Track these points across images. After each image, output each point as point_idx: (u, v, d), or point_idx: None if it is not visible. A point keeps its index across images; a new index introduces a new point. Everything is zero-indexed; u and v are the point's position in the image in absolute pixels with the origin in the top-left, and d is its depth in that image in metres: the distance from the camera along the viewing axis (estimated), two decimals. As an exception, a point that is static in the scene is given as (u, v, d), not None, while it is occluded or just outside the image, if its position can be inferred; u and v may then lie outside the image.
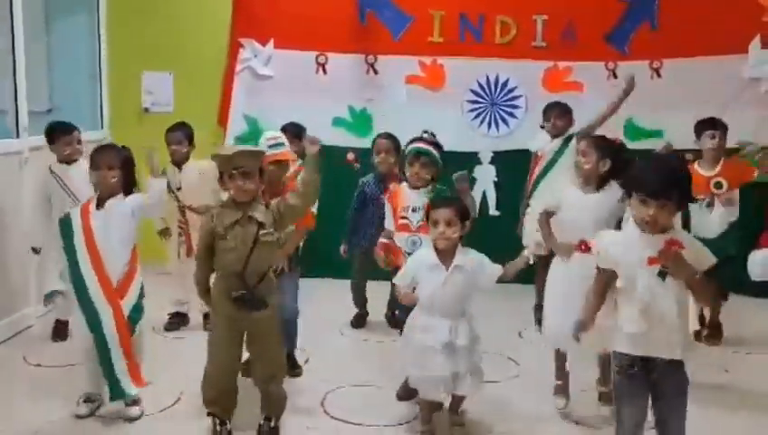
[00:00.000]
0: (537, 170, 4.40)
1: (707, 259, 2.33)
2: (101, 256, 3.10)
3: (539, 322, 4.25)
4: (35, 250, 4.09)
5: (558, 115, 4.36)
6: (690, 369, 2.41)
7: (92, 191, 3.26)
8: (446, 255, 2.88)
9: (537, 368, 3.95)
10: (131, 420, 3.19)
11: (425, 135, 3.89)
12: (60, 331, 4.19)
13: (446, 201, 2.97)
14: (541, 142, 4.45)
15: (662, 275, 2.28)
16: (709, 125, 4.26)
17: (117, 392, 3.13)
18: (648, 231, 2.30)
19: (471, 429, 3.14)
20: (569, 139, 4.30)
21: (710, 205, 4.07)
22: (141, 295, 3.23)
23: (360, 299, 4.69)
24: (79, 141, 4.12)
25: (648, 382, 2.38)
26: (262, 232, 2.72)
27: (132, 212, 3.17)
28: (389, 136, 4.46)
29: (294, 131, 4.89)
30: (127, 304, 3.14)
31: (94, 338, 3.09)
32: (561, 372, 3.38)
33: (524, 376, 3.85)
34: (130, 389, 3.14)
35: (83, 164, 3.74)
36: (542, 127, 4.47)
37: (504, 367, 3.92)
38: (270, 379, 2.91)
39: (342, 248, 4.47)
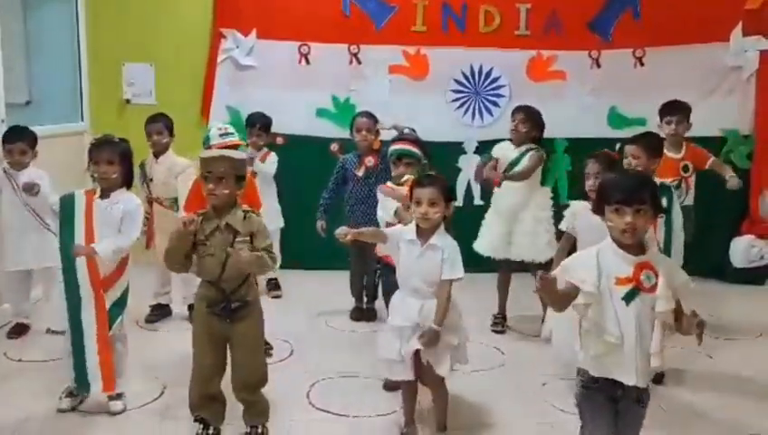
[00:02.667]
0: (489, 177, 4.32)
1: (683, 285, 2.22)
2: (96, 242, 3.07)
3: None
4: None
5: (521, 121, 4.23)
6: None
7: None
8: (425, 233, 2.84)
9: (522, 356, 3.97)
10: (114, 414, 3.16)
11: (405, 131, 3.88)
12: (17, 331, 4.14)
13: (430, 180, 2.87)
14: (502, 148, 4.33)
15: (627, 299, 2.17)
16: (667, 111, 4.28)
17: (80, 384, 3.10)
18: (627, 241, 2.18)
19: (459, 419, 3.14)
20: (529, 150, 4.22)
21: (678, 187, 4.12)
22: (126, 293, 3.20)
23: (356, 289, 4.61)
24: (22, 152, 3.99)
25: (612, 400, 2.28)
26: (237, 239, 2.71)
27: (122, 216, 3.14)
28: (368, 114, 4.55)
29: (263, 122, 4.88)
30: (110, 296, 3.11)
31: (70, 323, 3.06)
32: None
33: (510, 365, 3.86)
34: (96, 385, 3.09)
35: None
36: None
37: (490, 356, 3.93)
38: (248, 388, 2.88)
39: (320, 225, 4.49)
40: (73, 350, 3.09)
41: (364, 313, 4.57)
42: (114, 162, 3.12)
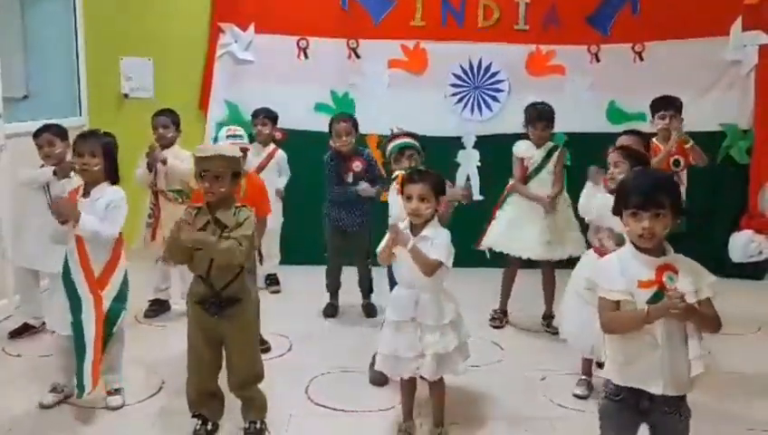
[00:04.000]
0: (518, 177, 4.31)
1: (707, 286, 2.13)
2: (85, 244, 3.05)
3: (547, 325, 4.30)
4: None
5: (545, 126, 4.23)
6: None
7: None
8: (417, 227, 2.85)
9: (521, 352, 3.97)
10: (113, 409, 3.16)
11: (395, 130, 3.86)
12: (20, 331, 4.07)
13: (420, 175, 2.86)
14: (526, 149, 4.30)
15: (652, 302, 2.09)
16: (662, 106, 4.27)
17: (79, 387, 3.08)
18: (644, 245, 2.13)
19: (458, 414, 3.15)
20: (553, 149, 4.26)
21: None
22: (125, 286, 3.19)
23: (333, 284, 4.60)
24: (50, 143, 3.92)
25: (639, 414, 2.20)
26: (224, 234, 2.70)
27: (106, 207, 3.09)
28: (347, 116, 4.49)
29: (267, 113, 4.90)
30: (107, 295, 3.10)
31: (72, 326, 3.05)
32: (588, 369, 3.43)
33: (509, 360, 3.86)
34: (88, 387, 3.05)
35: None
36: (527, 135, 4.31)
37: (488, 352, 3.93)
38: (244, 385, 2.88)
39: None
40: (76, 353, 3.07)
41: (339, 309, 4.58)
42: (96, 155, 3.09)
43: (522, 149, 4.31)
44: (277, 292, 4.98)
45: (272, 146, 4.89)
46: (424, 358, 2.81)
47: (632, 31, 5.57)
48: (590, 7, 5.59)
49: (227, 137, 3.60)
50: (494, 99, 5.67)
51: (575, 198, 4.26)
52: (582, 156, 4.28)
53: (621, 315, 2.15)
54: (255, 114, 4.92)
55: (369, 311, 4.53)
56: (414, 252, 2.76)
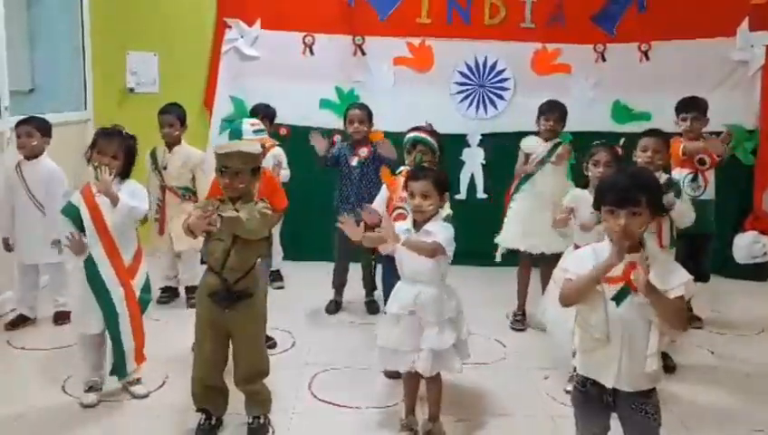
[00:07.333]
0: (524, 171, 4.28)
1: (681, 286, 2.09)
2: (112, 234, 3.10)
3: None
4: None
5: (556, 120, 4.22)
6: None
7: None
8: (420, 224, 2.85)
9: (524, 350, 3.98)
10: (140, 398, 3.21)
11: (425, 123, 3.89)
12: (17, 322, 4.11)
13: (423, 172, 2.87)
14: (533, 144, 4.28)
15: (617, 299, 2.11)
16: (684, 107, 4.25)
17: (120, 371, 3.16)
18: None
19: (460, 411, 3.16)
20: (558, 144, 4.24)
21: (694, 180, 4.10)
22: (149, 280, 3.27)
23: (339, 280, 4.60)
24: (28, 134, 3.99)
25: (605, 406, 2.23)
26: None
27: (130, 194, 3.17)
28: (361, 106, 4.54)
29: (266, 112, 4.90)
30: (137, 284, 3.18)
31: (105, 318, 3.09)
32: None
33: (512, 358, 3.87)
34: (131, 367, 3.17)
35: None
36: (537, 132, 4.30)
37: (492, 349, 3.93)
38: (249, 379, 2.89)
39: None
40: (113, 342, 3.13)
41: (341, 306, 4.58)
42: (118, 157, 3.13)
43: (529, 144, 4.29)
44: (281, 288, 4.98)
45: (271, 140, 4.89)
46: (420, 353, 2.82)
47: (638, 30, 5.55)
48: (596, 6, 5.58)
49: (253, 132, 3.65)
50: (500, 97, 5.66)
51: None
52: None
53: (573, 281, 2.19)
54: (253, 113, 4.90)
55: (372, 308, 4.54)
56: (409, 244, 2.75)
